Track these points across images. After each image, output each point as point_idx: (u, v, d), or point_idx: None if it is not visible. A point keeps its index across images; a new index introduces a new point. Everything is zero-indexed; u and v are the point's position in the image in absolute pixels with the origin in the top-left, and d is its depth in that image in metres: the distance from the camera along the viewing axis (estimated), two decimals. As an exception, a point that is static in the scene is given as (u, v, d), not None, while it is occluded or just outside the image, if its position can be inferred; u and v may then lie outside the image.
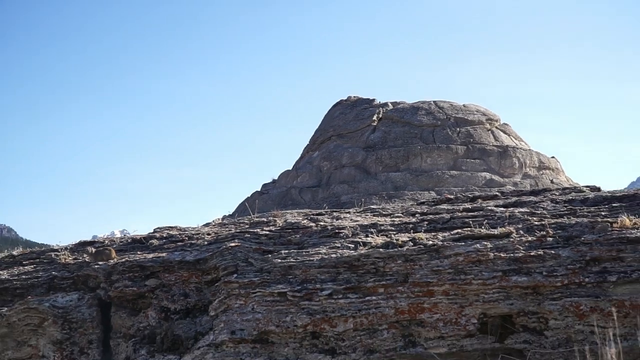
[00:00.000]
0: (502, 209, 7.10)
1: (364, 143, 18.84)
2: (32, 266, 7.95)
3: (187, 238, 7.77)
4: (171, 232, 8.24)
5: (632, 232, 5.67)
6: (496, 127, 19.46)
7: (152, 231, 8.64)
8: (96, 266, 7.34)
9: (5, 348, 7.02)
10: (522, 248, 5.86)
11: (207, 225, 9.34)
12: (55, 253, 8.15)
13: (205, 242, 7.39)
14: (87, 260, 7.58)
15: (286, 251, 6.67)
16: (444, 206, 7.78)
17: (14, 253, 8.85)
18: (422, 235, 6.41)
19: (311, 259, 6.34)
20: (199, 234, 7.88)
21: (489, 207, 7.23)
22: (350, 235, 6.81)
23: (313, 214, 8.26)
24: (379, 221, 7.29)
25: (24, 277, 7.57)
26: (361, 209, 8.49)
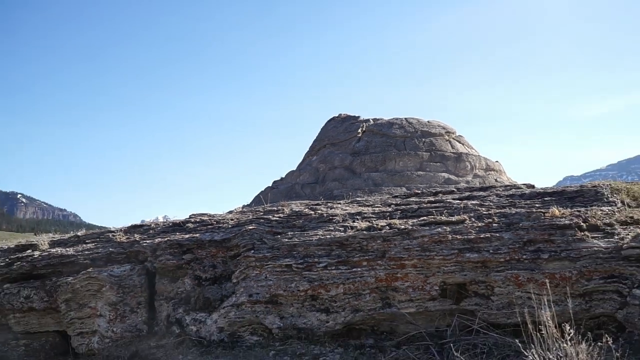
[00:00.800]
0: (458, 201, 7.09)
1: (351, 150, 18.81)
2: (93, 244, 7.89)
3: (215, 222, 7.73)
4: (203, 218, 8.21)
5: (561, 220, 5.67)
6: (453, 138, 19.43)
7: (188, 217, 8.59)
8: (144, 244, 7.31)
9: (69, 309, 6.97)
10: (473, 231, 5.85)
11: (230, 212, 9.29)
12: (112, 233, 8.09)
13: (229, 226, 7.36)
14: (137, 239, 7.53)
15: (291, 233, 6.65)
16: (413, 199, 7.77)
17: (79, 234, 8.78)
18: (396, 221, 6.39)
19: (311, 239, 6.33)
20: (224, 219, 7.84)
21: (448, 200, 7.22)
22: (341, 221, 6.79)
23: (312, 204, 8.22)
24: (363, 210, 7.27)
25: (86, 252, 7.51)
26: (349, 201, 8.47)
